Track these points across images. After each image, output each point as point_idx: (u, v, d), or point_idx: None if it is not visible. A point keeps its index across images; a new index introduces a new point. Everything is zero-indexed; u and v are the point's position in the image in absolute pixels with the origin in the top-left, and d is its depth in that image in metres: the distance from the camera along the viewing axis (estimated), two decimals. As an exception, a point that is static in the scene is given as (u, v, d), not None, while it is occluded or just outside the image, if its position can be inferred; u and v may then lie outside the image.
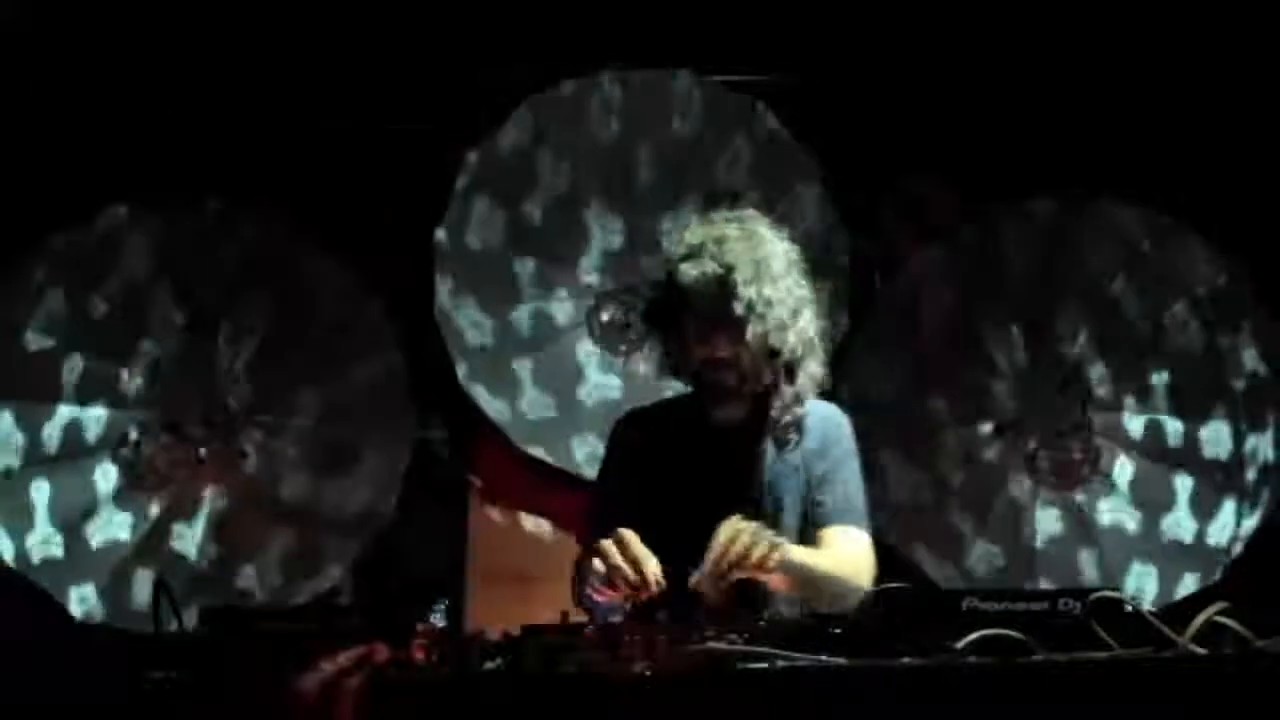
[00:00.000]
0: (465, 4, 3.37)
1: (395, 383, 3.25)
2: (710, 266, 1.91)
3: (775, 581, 1.83)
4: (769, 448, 2.03)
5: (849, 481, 2.04)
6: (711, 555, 1.74)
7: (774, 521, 1.93)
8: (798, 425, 2.03)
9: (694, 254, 1.94)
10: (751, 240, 1.96)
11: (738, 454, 2.02)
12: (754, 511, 1.89)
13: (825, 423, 2.08)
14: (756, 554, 1.74)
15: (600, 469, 2.18)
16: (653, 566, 1.67)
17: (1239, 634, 1.31)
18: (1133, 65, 3.33)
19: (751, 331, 1.90)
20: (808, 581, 1.86)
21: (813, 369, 2.00)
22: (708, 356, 1.95)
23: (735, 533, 1.75)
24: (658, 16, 3.36)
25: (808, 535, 1.99)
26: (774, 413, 2.02)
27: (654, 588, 1.63)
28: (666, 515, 1.88)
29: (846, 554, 1.96)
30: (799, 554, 1.87)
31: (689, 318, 1.95)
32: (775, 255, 1.97)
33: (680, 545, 1.76)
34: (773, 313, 1.91)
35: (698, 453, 2.01)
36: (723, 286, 1.90)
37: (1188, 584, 3.10)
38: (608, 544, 1.70)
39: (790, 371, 1.98)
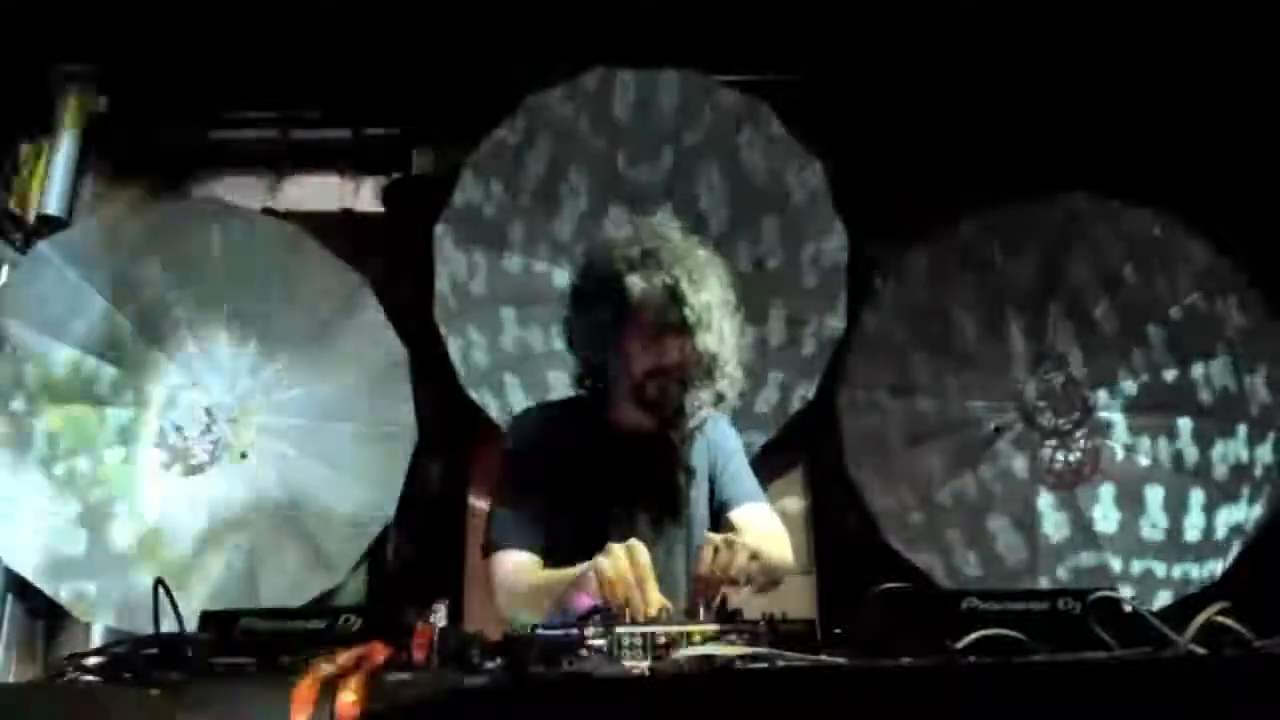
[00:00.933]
0: (466, 4, 3.37)
1: (395, 381, 3.25)
2: (659, 277, 1.92)
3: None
4: (676, 456, 2.05)
5: (739, 470, 2.14)
6: (699, 574, 1.75)
7: (687, 529, 2.00)
8: (700, 432, 2.08)
9: (640, 264, 1.95)
10: (689, 249, 1.99)
11: (643, 462, 2.03)
12: (672, 515, 1.98)
13: (716, 429, 2.16)
14: (737, 566, 1.73)
15: (505, 463, 2.11)
16: (654, 592, 1.66)
17: (1239, 634, 1.31)
18: (1134, 66, 3.34)
19: (700, 338, 1.92)
20: (768, 568, 1.87)
21: (724, 386, 2.01)
22: (654, 365, 1.95)
23: (714, 550, 1.75)
24: (657, 17, 3.36)
25: (713, 528, 2.04)
26: (691, 415, 2.02)
27: (651, 612, 1.62)
28: (578, 516, 1.91)
29: (771, 528, 2.05)
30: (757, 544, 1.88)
31: (634, 328, 1.95)
32: (711, 263, 2.00)
33: (584, 549, 1.77)
34: (714, 319, 1.94)
35: (608, 455, 2.02)
36: (672, 295, 1.91)
37: (1188, 584, 3.10)
38: (619, 552, 1.70)
39: (710, 378, 1.98)
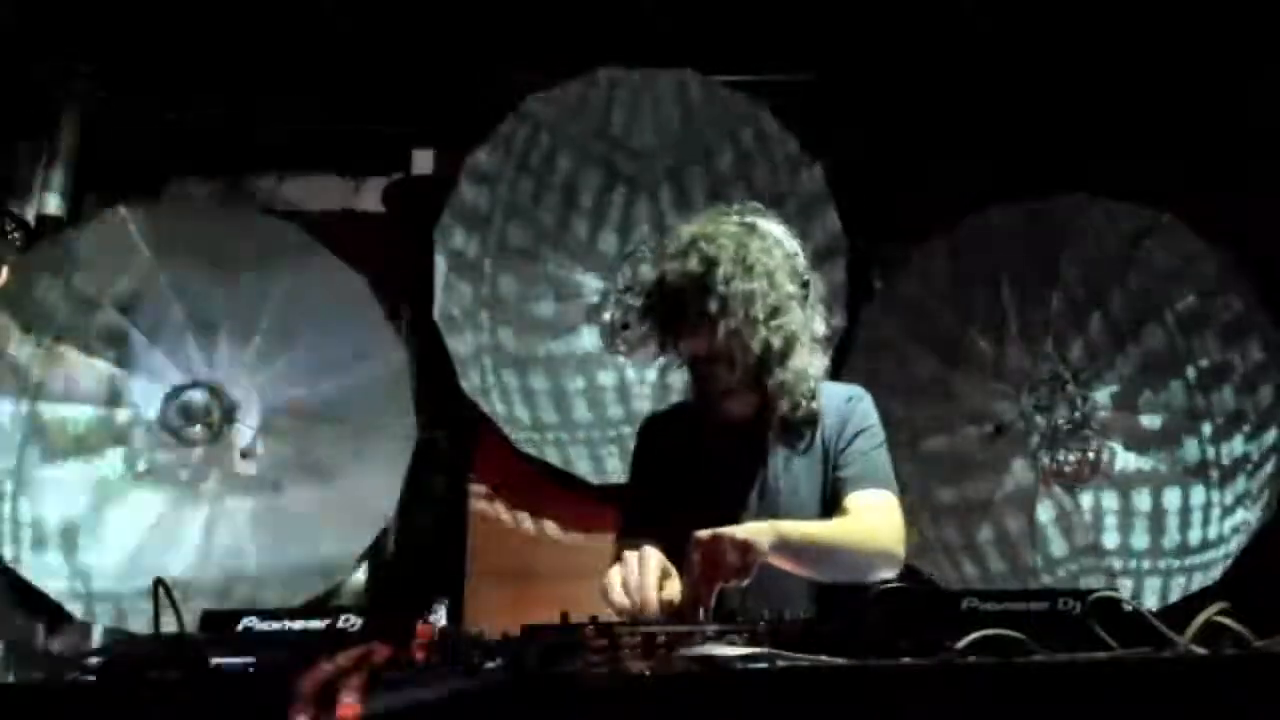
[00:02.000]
0: (466, 4, 3.37)
1: (396, 382, 3.25)
2: (693, 263, 1.88)
3: (782, 563, 1.78)
4: (776, 445, 2.01)
5: (866, 451, 1.99)
6: (688, 575, 1.71)
7: (787, 515, 1.90)
8: (807, 420, 2.00)
9: (683, 251, 1.92)
10: (743, 235, 1.93)
11: (745, 451, 2.00)
12: (767, 509, 1.90)
13: (840, 403, 2.05)
14: (729, 563, 1.69)
15: (629, 473, 2.17)
16: (652, 597, 1.65)
17: (1239, 634, 1.31)
18: (1135, 66, 3.33)
19: (723, 328, 1.86)
20: (818, 556, 1.81)
21: (796, 365, 1.94)
22: (695, 354, 1.94)
23: (702, 547, 1.70)
24: (657, 17, 3.36)
25: (829, 510, 1.96)
26: (777, 410, 1.99)
27: (650, 614, 1.61)
28: (684, 516, 1.83)
29: (862, 517, 1.92)
30: (797, 531, 1.82)
31: (674, 315, 1.93)
32: (765, 250, 1.92)
33: (685, 542, 1.74)
34: (749, 309, 1.87)
35: (708, 451, 2.00)
36: (700, 283, 1.87)
37: (1188, 584, 3.10)
38: (630, 559, 1.69)
39: (768, 369, 1.93)
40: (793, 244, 2.00)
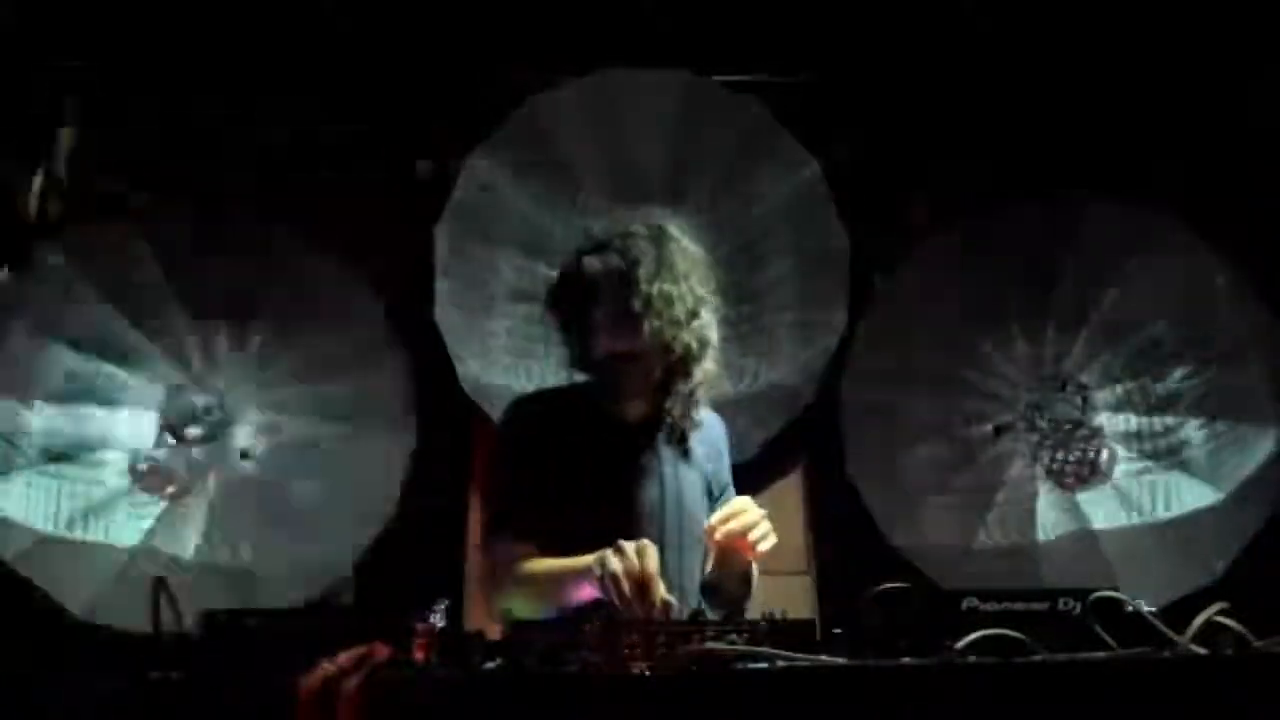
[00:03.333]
0: (466, 4, 3.37)
1: (395, 383, 3.25)
2: (614, 259, 1.94)
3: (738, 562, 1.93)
4: (664, 448, 2.05)
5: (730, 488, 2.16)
6: (720, 513, 1.85)
7: (677, 519, 1.98)
8: (694, 424, 2.08)
9: (600, 247, 1.98)
10: (656, 237, 2.00)
11: (637, 450, 2.03)
12: (666, 510, 1.96)
13: (715, 428, 2.16)
14: (754, 534, 1.84)
15: (501, 451, 2.12)
16: (660, 591, 1.66)
17: (1239, 634, 1.31)
18: (1135, 64, 3.34)
19: (648, 327, 1.91)
20: (746, 579, 1.98)
21: (707, 368, 2.02)
22: (610, 350, 1.97)
23: (744, 509, 1.85)
24: (658, 17, 3.36)
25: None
26: (670, 411, 2.03)
27: (652, 611, 1.62)
28: (582, 511, 1.91)
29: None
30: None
31: (594, 310, 1.97)
32: (679, 253, 1.99)
33: (579, 537, 1.79)
34: (670, 310, 1.93)
35: (598, 446, 2.02)
36: (624, 280, 1.92)
37: (1188, 583, 3.09)
38: (630, 550, 1.70)
39: (685, 370, 1.99)
40: (699, 249, 2.07)
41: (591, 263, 1.97)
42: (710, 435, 2.15)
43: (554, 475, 1.97)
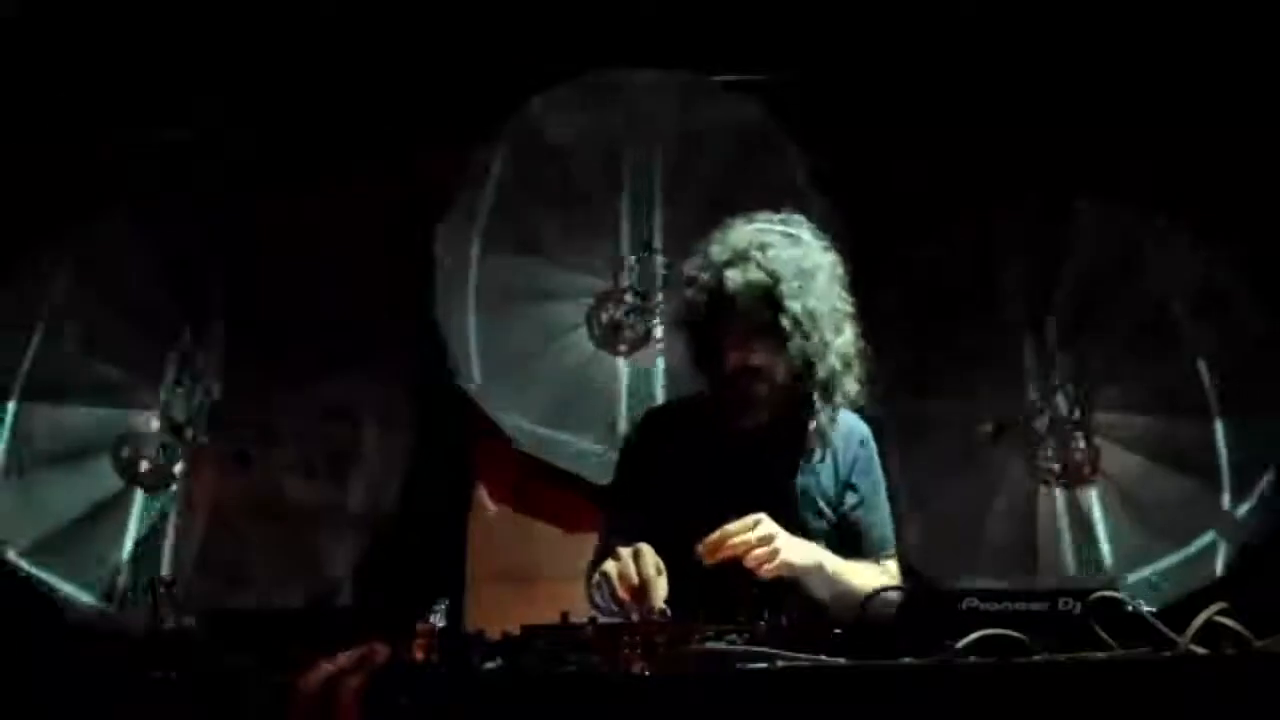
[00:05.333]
0: (466, 4, 3.37)
1: (395, 383, 3.25)
2: (757, 274, 1.86)
3: (809, 588, 1.83)
4: (789, 457, 2.00)
5: (883, 507, 2.06)
6: (719, 532, 1.76)
7: (803, 532, 1.91)
8: (827, 442, 2.01)
9: (739, 259, 1.89)
10: (798, 248, 1.92)
11: (761, 462, 1.98)
12: (778, 520, 1.87)
13: (853, 434, 2.08)
14: (751, 556, 1.74)
15: (618, 466, 2.14)
16: (659, 593, 1.65)
17: (1239, 634, 1.31)
18: (1134, 63, 3.33)
19: (794, 345, 1.86)
20: (840, 595, 1.84)
21: (848, 386, 1.96)
22: (742, 364, 1.90)
23: (746, 528, 1.76)
24: (656, 17, 3.36)
25: (834, 540, 1.97)
26: (811, 428, 1.98)
27: (651, 614, 1.61)
28: (684, 519, 1.84)
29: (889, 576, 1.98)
30: (841, 566, 1.88)
31: (728, 323, 1.90)
32: (821, 267, 1.93)
33: (682, 548, 1.75)
34: (816, 327, 1.87)
35: (719, 458, 1.97)
36: (768, 296, 1.85)
37: (1188, 584, 3.10)
38: (626, 555, 1.69)
39: (827, 389, 1.94)
40: (834, 255, 1.99)
41: (733, 276, 1.87)
42: (844, 442, 2.06)
43: (667, 488, 1.95)
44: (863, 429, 2.12)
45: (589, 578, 1.91)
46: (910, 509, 3.25)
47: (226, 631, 1.34)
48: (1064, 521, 3.25)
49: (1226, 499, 3.15)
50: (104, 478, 3.19)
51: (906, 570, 3.04)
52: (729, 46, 3.43)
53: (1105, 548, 3.21)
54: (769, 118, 3.40)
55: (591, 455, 3.22)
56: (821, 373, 1.90)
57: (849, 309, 1.97)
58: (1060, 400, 3.31)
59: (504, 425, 3.29)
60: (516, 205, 3.39)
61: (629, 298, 3.36)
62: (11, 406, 3.14)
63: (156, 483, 3.24)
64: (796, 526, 1.89)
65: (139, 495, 3.21)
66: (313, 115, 3.43)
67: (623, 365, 3.38)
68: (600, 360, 3.39)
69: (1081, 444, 3.28)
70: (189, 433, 3.26)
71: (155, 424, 3.26)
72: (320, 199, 3.38)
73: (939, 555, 3.22)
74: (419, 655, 1.27)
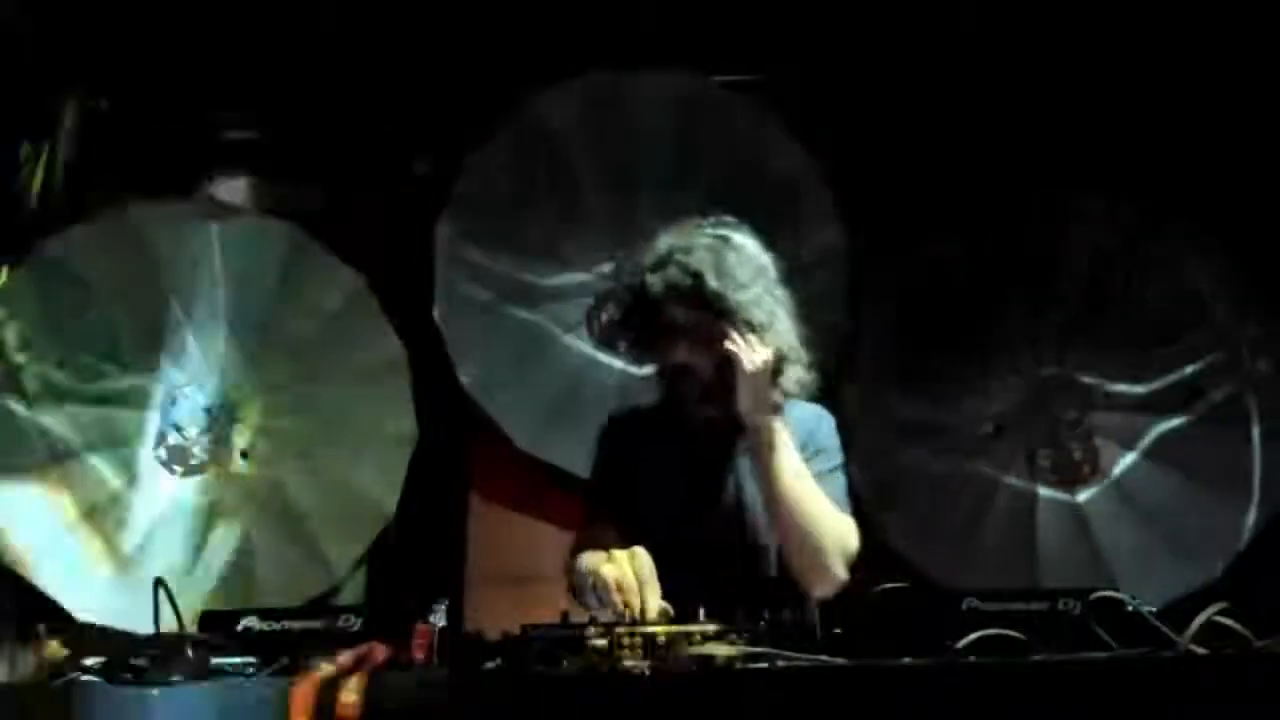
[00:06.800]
0: (465, 4, 3.37)
1: (395, 381, 3.25)
2: (676, 275, 1.93)
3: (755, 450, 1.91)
4: (743, 452, 2.04)
5: (824, 472, 2.03)
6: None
7: (739, 524, 1.98)
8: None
9: (661, 263, 1.96)
10: (719, 248, 1.97)
11: (715, 456, 2.05)
12: (740, 515, 1.96)
13: (806, 419, 2.10)
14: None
15: (591, 470, 2.19)
16: (653, 600, 1.66)
17: (1239, 634, 1.31)
18: (1134, 61, 3.33)
19: (720, 338, 1.92)
20: (788, 490, 1.89)
21: (796, 374, 2.01)
22: (670, 364, 1.98)
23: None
24: (657, 17, 3.36)
25: None
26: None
27: (650, 617, 1.62)
28: (649, 517, 1.91)
29: (840, 521, 1.96)
30: (789, 456, 1.91)
31: (655, 326, 1.98)
32: (743, 263, 1.97)
33: (662, 547, 1.78)
34: (744, 323, 1.92)
35: (677, 455, 2.04)
36: (690, 295, 1.92)
37: (1187, 583, 3.10)
38: (622, 556, 1.70)
39: (775, 378, 1.98)
40: (765, 257, 2.04)
41: (653, 280, 1.95)
42: (798, 426, 2.06)
43: (635, 487, 2.02)
44: (813, 412, 2.14)
45: (570, 568, 1.95)
46: (911, 509, 3.26)
47: (226, 631, 1.34)
48: (1064, 522, 3.25)
49: (1226, 499, 3.15)
50: (105, 477, 3.19)
51: (906, 569, 3.07)
52: (729, 46, 3.43)
53: (1105, 547, 3.21)
54: (769, 117, 3.40)
55: (591, 454, 3.22)
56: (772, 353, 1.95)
57: (784, 304, 2.01)
58: (1060, 400, 3.31)
59: (504, 424, 3.29)
60: (516, 205, 3.39)
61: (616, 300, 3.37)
62: (13, 405, 3.13)
63: (156, 482, 3.24)
64: (759, 516, 1.95)
65: (138, 495, 3.21)
66: (312, 115, 3.44)
67: (621, 364, 3.38)
68: (599, 361, 3.39)
69: (1081, 443, 3.28)
70: (189, 432, 3.26)
71: (156, 424, 3.26)
72: (320, 198, 3.38)
73: (939, 555, 3.22)
74: (419, 655, 1.27)
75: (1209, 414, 3.20)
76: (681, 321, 1.94)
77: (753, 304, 1.93)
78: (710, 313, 1.91)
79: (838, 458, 2.08)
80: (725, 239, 2.00)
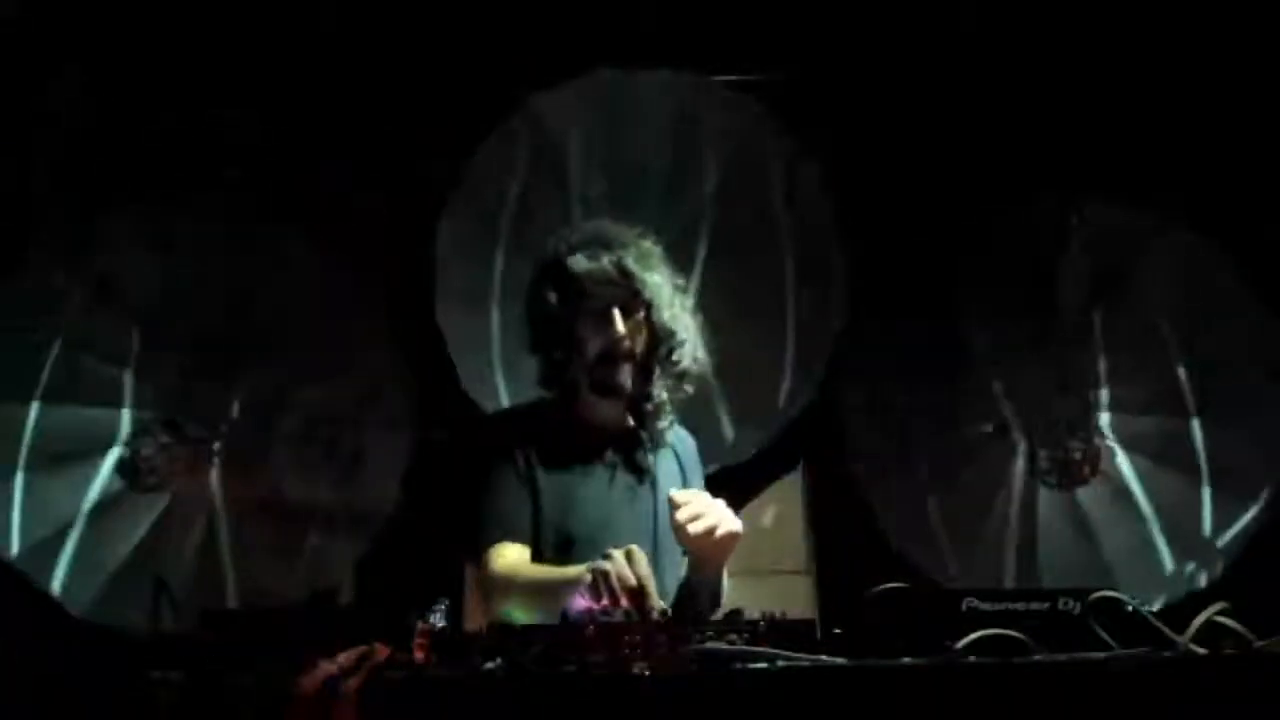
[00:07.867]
0: (464, 3, 3.37)
1: (395, 382, 3.25)
2: (604, 255, 1.97)
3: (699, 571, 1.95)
4: (647, 460, 2.06)
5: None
6: (685, 510, 1.83)
7: (651, 532, 1.99)
8: (661, 442, 2.09)
9: (582, 245, 2.00)
10: (632, 233, 2.07)
11: (622, 464, 2.07)
12: (646, 520, 1.99)
13: (689, 442, 2.19)
14: (720, 532, 1.83)
15: (485, 469, 2.13)
16: (655, 596, 1.67)
17: (1239, 634, 1.31)
18: (1134, 61, 3.33)
19: (656, 315, 1.98)
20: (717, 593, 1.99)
21: (698, 354, 2.07)
22: (606, 346, 1.97)
23: (704, 507, 1.84)
24: (657, 17, 3.36)
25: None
26: (655, 396, 2.05)
27: (648, 615, 1.63)
28: (552, 516, 1.95)
29: None
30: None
31: (583, 310, 1.98)
32: (656, 253, 2.07)
33: (566, 548, 1.85)
34: (665, 298, 2.00)
35: (579, 456, 2.04)
36: (619, 272, 1.97)
37: (1188, 584, 3.10)
38: (618, 555, 1.70)
39: (672, 356, 2.03)
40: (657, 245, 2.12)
41: (580, 260, 1.97)
42: (685, 448, 2.17)
43: (538, 490, 2.01)
44: (687, 435, 2.23)
45: (501, 586, 1.95)
46: (910, 509, 3.26)
47: (226, 631, 1.34)
48: (1064, 522, 3.25)
49: (1226, 499, 3.15)
50: (104, 477, 3.19)
51: (905, 569, 3.07)
52: (729, 46, 3.43)
53: (1105, 547, 3.21)
54: (769, 117, 3.40)
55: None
56: (676, 340, 2.01)
57: (680, 284, 2.10)
58: (1060, 400, 3.31)
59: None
60: (517, 204, 3.39)
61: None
62: (13, 405, 3.14)
63: (157, 483, 3.24)
64: (662, 528, 1.97)
65: (138, 495, 3.21)
66: (312, 115, 3.44)
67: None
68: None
69: (1081, 443, 3.28)
70: (189, 432, 3.26)
71: (155, 423, 3.26)
72: (320, 198, 3.38)
73: (939, 555, 3.22)
74: (419, 655, 1.27)
75: (1209, 414, 3.20)
76: (611, 299, 1.97)
77: (665, 296, 2.00)
78: (636, 285, 1.97)
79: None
80: (633, 227, 2.09)
